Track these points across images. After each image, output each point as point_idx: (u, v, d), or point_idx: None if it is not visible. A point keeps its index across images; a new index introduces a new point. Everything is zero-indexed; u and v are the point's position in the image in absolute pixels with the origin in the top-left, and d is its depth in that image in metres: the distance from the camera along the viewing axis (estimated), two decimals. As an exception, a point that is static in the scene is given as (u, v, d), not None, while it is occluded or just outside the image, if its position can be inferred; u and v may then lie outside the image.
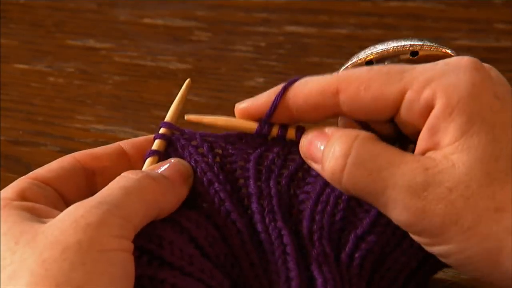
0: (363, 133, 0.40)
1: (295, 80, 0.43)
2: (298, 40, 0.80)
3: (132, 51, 0.80)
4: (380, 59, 0.46)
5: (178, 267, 0.40)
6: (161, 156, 0.46)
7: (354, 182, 0.39)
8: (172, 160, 0.45)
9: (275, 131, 0.44)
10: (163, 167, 0.44)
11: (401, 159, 0.38)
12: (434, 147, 0.38)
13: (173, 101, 0.48)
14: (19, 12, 0.87)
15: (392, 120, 0.42)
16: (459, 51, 0.75)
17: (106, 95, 0.75)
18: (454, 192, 0.37)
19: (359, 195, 0.40)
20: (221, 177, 0.44)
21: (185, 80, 0.49)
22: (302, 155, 0.44)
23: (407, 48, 0.46)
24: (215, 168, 0.45)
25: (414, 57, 0.45)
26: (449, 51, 0.46)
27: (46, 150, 0.70)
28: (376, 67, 0.41)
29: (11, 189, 0.41)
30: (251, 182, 0.44)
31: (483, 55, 0.76)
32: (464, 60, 0.40)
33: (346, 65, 0.47)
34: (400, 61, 0.46)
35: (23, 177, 0.43)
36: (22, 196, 0.41)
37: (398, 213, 0.38)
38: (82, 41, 0.83)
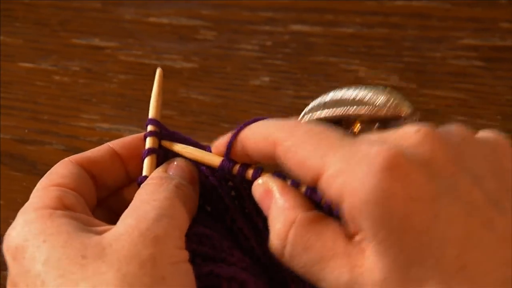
0: (299, 218, 0.39)
1: (255, 121, 0.42)
2: (303, 39, 0.80)
3: (137, 50, 0.80)
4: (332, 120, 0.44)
5: (221, 259, 0.40)
6: (159, 153, 0.46)
7: (293, 268, 0.39)
8: (176, 162, 0.45)
9: (235, 169, 0.44)
10: (173, 169, 0.44)
11: (332, 253, 0.37)
12: (357, 235, 0.37)
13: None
14: (23, 11, 0.87)
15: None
16: (465, 50, 0.76)
17: (111, 94, 0.75)
18: None
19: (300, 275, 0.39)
20: (223, 182, 0.45)
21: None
22: (253, 193, 0.43)
23: (350, 113, 0.43)
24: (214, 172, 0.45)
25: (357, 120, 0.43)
26: (404, 110, 0.42)
27: (52, 149, 0.70)
28: (316, 130, 0.39)
29: (47, 198, 0.40)
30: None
31: (488, 54, 0.76)
32: (380, 157, 0.35)
33: (306, 117, 0.45)
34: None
35: (45, 185, 0.42)
36: (63, 204, 0.40)
37: None
38: (87, 40, 0.83)
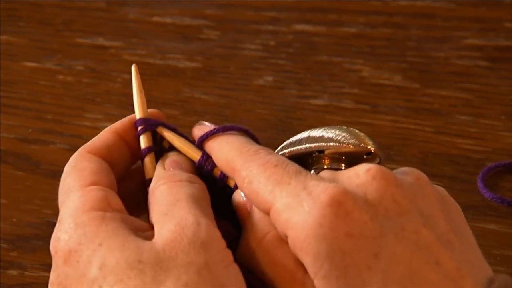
0: (270, 234, 0.39)
1: (231, 128, 0.43)
2: (307, 39, 0.80)
3: (141, 49, 0.80)
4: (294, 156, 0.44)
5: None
6: (156, 149, 0.45)
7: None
8: (171, 158, 0.44)
9: (217, 172, 0.44)
10: (172, 166, 0.43)
11: (291, 277, 0.38)
12: None
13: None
14: (28, 11, 0.87)
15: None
16: (469, 50, 0.76)
17: (115, 94, 0.75)
18: None
19: None
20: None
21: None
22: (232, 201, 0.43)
23: (313, 148, 0.43)
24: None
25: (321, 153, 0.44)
26: (368, 145, 0.43)
27: (56, 148, 0.70)
28: (274, 161, 0.39)
29: (93, 200, 0.39)
30: None
31: (493, 54, 0.76)
32: (324, 194, 0.36)
33: (282, 146, 0.46)
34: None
35: (83, 184, 0.41)
36: (110, 205, 0.39)
37: None
38: (91, 39, 0.83)
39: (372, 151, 0.43)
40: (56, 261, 0.38)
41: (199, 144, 0.44)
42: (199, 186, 0.41)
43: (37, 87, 0.77)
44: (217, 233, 0.37)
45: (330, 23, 0.81)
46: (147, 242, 0.36)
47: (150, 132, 0.45)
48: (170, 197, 0.39)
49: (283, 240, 0.38)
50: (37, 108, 0.75)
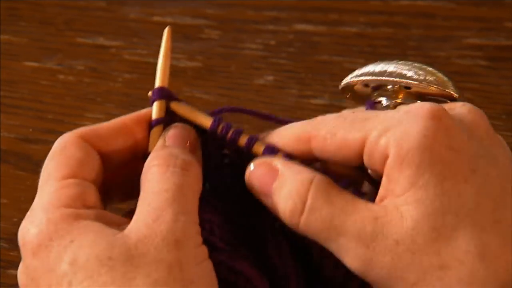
0: (318, 177, 0.40)
1: (232, 110, 0.45)
2: (307, 38, 0.80)
3: (142, 49, 0.80)
4: (376, 86, 0.46)
5: (231, 250, 0.40)
6: (167, 122, 0.44)
7: (310, 228, 0.39)
8: (173, 130, 0.44)
9: (229, 135, 0.43)
10: (171, 139, 0.43)
11: (354, 207, 0.38)
12: (390, 195, 0.38)
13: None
14: (28, 10, 0.87)
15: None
16: (470, 49, 0.76)
17: (116, 93, 0.76)
18: (401, 246, 0.36)
19: (315, 239, 0.40)
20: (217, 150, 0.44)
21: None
22: (246, 182, 0.43)
23: (402, 83, 0.44)
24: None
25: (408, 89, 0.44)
26: (450, 91, 0.44)
27: (56, 148, 0.70)
28: (344, 114, 0.41)
29: (68, 197, 0.39)
30: None
31: (494, 53, 0.76)
32: (423, 109, 0.38)
33: (346, 79, 0.47)
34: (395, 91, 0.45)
35: (63, 174, 0.41)
36: (85, 203, 0.39)
37: (349, 261, 0.38)
38: (92, 39, 0.83)
39: (456, 97, 0.44)
40: (24, 253, 0.38)
41: (250, 145, 0.43)
42: (192, 173, 0.41)
43: (38, 86, 0.77)
44: (193, 230, 0.38)
45: (331, 22, 0.81)
46: (119, 236, 0.36)
47: (163, 103, 0.44)
48: (159, 184, 0.39)
49: (331, 181, 0.39)
50: (38, 107, 0.75)
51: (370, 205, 0.38)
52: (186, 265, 0.36)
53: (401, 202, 0.37)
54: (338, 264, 0.39)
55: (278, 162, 0.41)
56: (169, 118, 0.44)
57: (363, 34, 0.79)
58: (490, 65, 0.75)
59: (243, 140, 0.43)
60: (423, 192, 0.36)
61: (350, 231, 0.37)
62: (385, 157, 0.38)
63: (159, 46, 0.47)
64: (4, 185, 0.67)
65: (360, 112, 0.42)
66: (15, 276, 0.59)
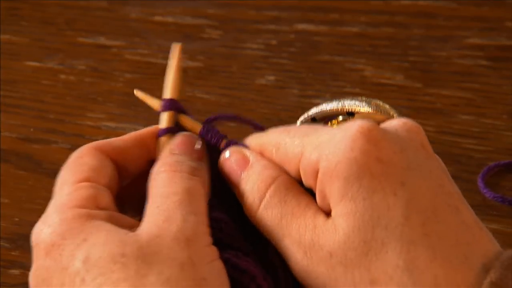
0: (283, 176, 0.40)
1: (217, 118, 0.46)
2: (309, 38, 0.80)
3: (143, 48, 0.80)
4: (322, 118, 0.48)
5: (237, 248, 0.40)
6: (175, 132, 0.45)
7: (261, 224, 0.40)
8: (180, 139, 0.44)
9: (214, 140, 0.45)
10: (178, 148, 0.43)
11: (302, 212, 0.39)
12: (326, 209, 0.38)
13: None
14: (30, 10, 0.88)
15: None
16: (471, 49, 0.76)
17: (117, 93, 0.76)
18: (334, 258, 0.36)
19: (267, 236, 0.40)
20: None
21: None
22: (219, 168, 0.43)
23: (344, 109, 0.46)
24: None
25: (351, 117, 0.46)
26: (391, 113, 0.46)
27: (57, 148, 0.70)
28: (291, 128, 0.42)
29: (82, 197, 0.40)
30: None
31: (495, 53, 0.76)
32: (354, 124, 0.38)
33: (301, 119, 0.49)
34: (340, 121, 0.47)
35: (76, 179, 0.41)
36: (97, 204, 0.40)
37: (291, 265, 0.39)
38: (93, 38, 0.83)
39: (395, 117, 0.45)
40: (37, 253, 0.38)
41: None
42: (199, 179, 0.41)
43: (39, 86, 0.78)
44: (203, 230, 0.38)
45: (332, 22, 0.81)
46: (131, 234, 0.37)
47: (172, 114, 0.45)
48: (167, 189, 0.40)
49: (294, 183, 0.40)
50: (39, 107, 0.75)
51: (318, 213, 0.38)
52: (198, 263, 0.36)
53: (334, 214, 0.37)
54: None
55: (251, 154, 0.42)
56: (176, 128, 0.45)
57: (364, 34, 0.79)
58: (491, 65, 0.75)
59: (222, 144, 0.44)
60: (353, 204, 0.36)
61: (293, 235, 0.38)
62: (316, 172, 0.38)
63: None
64: (5, 185, 0.67)
65: (305, 127, 0.42)
66: (16, 276, 0.59)
